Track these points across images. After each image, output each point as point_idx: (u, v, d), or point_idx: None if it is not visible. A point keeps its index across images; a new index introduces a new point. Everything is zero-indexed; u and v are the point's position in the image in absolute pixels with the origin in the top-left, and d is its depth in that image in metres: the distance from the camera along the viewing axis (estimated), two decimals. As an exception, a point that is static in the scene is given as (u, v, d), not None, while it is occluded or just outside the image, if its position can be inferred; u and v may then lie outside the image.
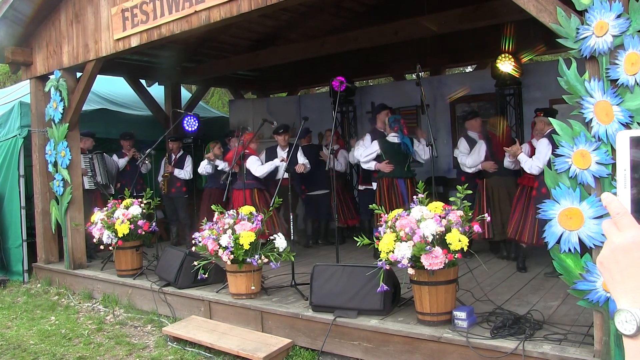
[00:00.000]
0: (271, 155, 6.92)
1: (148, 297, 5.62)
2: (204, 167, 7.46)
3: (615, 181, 3.00)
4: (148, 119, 9.23)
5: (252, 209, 5.02)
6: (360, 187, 7.41)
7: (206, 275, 5.02)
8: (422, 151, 6.20)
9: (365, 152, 6.35)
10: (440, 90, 8.27)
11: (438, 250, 3.56)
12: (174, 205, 8.17)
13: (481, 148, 5.89)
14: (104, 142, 8.39)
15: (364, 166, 6.46)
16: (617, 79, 2.90)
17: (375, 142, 6.32)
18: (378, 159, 6.26)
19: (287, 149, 6.62)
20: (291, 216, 5.47)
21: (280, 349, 4.16)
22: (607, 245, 0.75)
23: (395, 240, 3.72)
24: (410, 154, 6.17)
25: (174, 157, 8.15)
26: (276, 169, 6.67)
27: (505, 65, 6.79)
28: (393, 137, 6.23)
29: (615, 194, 0.78)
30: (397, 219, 3.86)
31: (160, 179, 8.20)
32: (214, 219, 4.96)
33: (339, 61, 9.14)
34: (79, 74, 6.79)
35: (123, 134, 8.23)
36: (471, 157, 5.95)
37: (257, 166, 6.59)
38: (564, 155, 3.09)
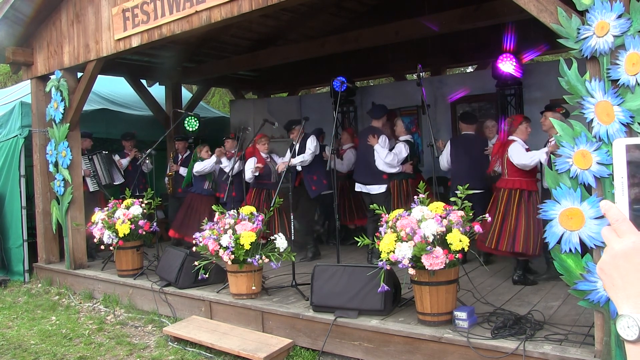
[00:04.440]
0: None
1: (149, 297, 5.62)
2: (211, 166, 7.32)
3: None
4: (149, 119, 9.23)
5: (252, 209, 5.02)
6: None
7: (207, 275, 5.02)
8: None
9: (400, 156, 6.11)
10: (441, 90, 8.26)
11: (439, 250, 3.56)
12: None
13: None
14: (104, 142, 8.39)
15: (393, 170, 6.10)
16: (618, 79, 2.90)
17: (405, 146, 6.17)
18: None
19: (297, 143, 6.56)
20: (291, 216, 5.47)
21: (280, 349, 4.16)
22: (607, 252, 0.76)
23: (395, 241, 3.72)
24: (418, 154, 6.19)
25: (180, 156, 8.15)
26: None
27: (506, 65, 6.78)
28: (410, 139, 6.28)
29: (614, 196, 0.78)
30: (397, 219, 3.86)
31: (166, 179, 8.19)
32: (215, 219, 4.96)
33: (339, 61, 9.14)
34: (79, 74, 6.79)
35: (124, 134, 8.24)
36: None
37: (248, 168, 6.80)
38: (565, 155, 3.09)
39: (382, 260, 3.80)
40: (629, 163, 0.77)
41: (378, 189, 6.13)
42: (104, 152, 7.73)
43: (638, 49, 2.82)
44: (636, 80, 2.83)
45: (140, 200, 6.15)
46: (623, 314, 0.72)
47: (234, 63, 8.60)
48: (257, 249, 4.74)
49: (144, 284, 5.77)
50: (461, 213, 3.76)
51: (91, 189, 7.30)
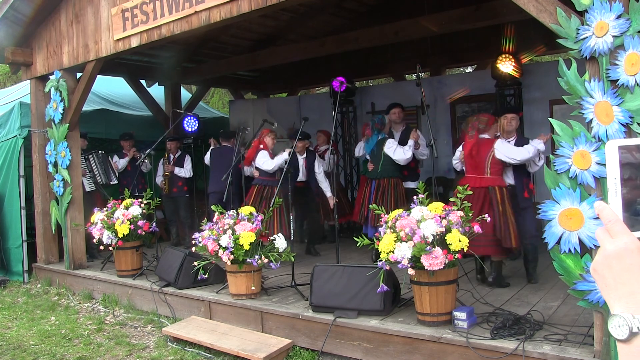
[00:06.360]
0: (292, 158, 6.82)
1: (148, 297, 5.62)
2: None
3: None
4: (148, 119, 9.23)
5: (252, 209, 5.02)
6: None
7: (206, 276, 5.02)
8: (420, 152, 6.15)
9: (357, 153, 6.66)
10: (441, 91, 8.27)
11: (438, 250, 3.56)
12: (175, 205, 8.14)
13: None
14: (104, 143, 8.38)
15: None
16: (617, 80, 2.90)
17: (361, 144, 6.56)
18: None
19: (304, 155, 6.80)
20: (291, 216, 5.47)
21: (280, 349, 4.16)
22: (600, 252, 0.77)
23: (395, 241, 3.72)
24: (373, 152, 6.20)
25: (172, 157, 8.14)
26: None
27: (506, 65, 6.78)
28: (378, 138, 6.30)
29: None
30: (397, 219, 3.86)
31: (160, 179, 8.17)
32: (214, 219, 4.96)
33: (339, 61, 9.14)
34: (79, 75, 6.79)
35: (123, 134, 8.23)
36: None
37: (264, 160, 6.31)
38: (564, 155, 3.09)
39: (381, 260, 3.80)
40: (622, 164, 0.78)
41: None
42: (100, 152, 7.72)
43: (637, 49, 2.82)
44: (635, 81, 2.83)
45: (140, 200, 6.14)
46: (614, 314, 0.73)
47: (234, 63, 8.60)
48: (257, 249, 4.73)
49: (143, 284, 5.76)
50: (460, 213, 3.76)
51: (87, 189, 7.29)
